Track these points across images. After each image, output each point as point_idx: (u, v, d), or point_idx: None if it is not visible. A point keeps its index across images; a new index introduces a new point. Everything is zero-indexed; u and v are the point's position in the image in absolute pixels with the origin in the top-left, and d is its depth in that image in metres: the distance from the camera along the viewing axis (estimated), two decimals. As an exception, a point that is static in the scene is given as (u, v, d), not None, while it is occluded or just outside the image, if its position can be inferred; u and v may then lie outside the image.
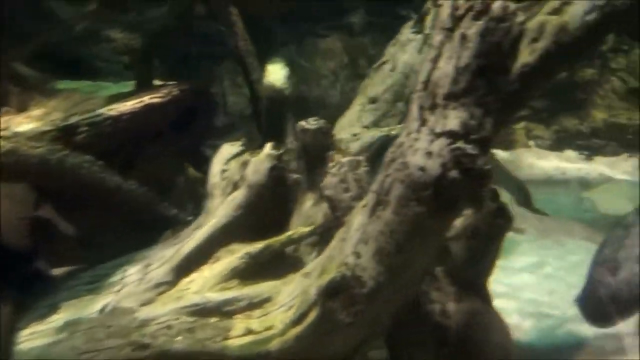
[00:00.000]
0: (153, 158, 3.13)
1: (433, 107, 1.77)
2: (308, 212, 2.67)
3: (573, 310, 3.19)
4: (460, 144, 1.70)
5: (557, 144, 6.26)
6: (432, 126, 1.76)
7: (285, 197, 2.58)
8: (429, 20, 3.24)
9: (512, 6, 1.73)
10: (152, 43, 3.65)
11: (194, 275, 2.30)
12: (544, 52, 2.11)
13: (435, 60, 1.80)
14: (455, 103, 1.73)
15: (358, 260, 1.89)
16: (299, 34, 6.06)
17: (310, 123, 2.82)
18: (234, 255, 2.31)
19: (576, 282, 2.93)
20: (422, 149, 1.75)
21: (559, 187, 5.00)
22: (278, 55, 3.24)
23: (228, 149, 2.67)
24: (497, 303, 3.30)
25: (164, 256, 2.42)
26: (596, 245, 2.93)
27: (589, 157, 6.00)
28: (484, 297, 2.31)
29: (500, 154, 6.26)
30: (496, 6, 1.71)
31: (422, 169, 1.73)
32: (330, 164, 2.31)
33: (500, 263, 3.89)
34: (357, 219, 1.96)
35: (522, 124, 6.55)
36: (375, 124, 3.27)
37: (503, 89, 1.78)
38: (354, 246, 1.92)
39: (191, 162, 3.28)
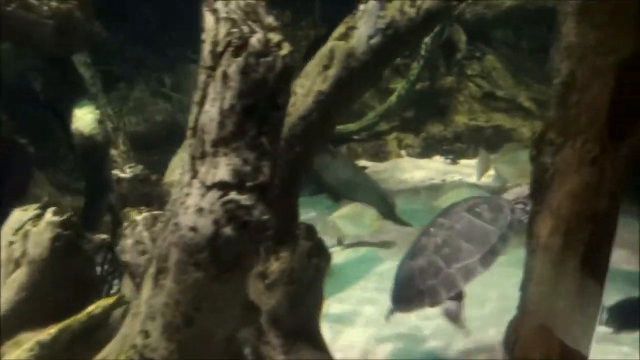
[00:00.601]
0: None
1: (203, 156, 1.58)
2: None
3: (429, 326, 3.18)
4: (233, 195, 1.52)
5: (426, 151, 6.47)
6: (203, 178, 1.56)
7: (88, 266, 2.24)
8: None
9: (276, 38, 1.59)
10: None
11: (-29, 382, 1.89)
12: (336, 79, 2.02)
13: (200, 104, 1.61)
14: (225, 149, 1.55)
15: (146, 340, 1.63)
16: (170, 60, 5.73)
17: (125, 171, 2.52)
18: (21, 348, 1.93)
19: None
20: (193, 206, 1.54)
21: (417, 196, 5.11)
22: (87, 98, 2.91)
23: (18, 215, 2.27)
24: (354, 329, 3.22)
25: None
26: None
27: (453, 161, 6.26)
28: (316, 342, 2.15)
29: (374, 166, 6.35)
30: (255, 40, 1.55)
31: (193, 229, 1.52)
32: (124, 224, 2.03)
33: (362, 284, 3.85)
34: (145, 290, 1.70)
35: (393, 135, 6.72)
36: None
37: (278, 127, 1.63)
38: (142, 323, 1.66)
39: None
